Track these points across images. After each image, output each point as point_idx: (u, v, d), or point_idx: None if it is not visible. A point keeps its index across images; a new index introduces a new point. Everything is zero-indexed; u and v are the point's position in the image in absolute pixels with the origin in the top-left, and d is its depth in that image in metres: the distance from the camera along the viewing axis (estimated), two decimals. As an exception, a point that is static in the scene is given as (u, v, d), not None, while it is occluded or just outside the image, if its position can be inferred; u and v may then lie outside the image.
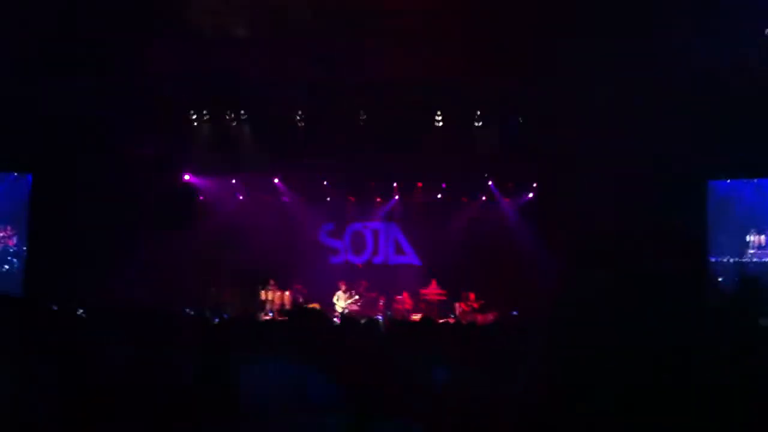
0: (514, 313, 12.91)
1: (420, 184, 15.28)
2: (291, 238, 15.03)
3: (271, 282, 14.37)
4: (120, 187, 13.69)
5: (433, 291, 14.42)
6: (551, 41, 11.10)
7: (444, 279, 14.42)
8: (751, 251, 13.33)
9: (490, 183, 14.98)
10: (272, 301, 14.08)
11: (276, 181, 15.24)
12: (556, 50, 11.36)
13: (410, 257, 15.57)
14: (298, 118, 14.13)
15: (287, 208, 15.48)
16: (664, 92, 12.00)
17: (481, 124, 14.02)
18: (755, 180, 13.37)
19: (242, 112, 14.22)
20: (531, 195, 14.94)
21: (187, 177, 15.03)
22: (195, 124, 14.28)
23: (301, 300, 13.98)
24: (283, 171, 15.03)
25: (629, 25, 10.61)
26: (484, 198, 15.24)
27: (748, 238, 13.35)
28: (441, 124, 13.96)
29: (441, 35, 11.05)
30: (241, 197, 15.49)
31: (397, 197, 15.54)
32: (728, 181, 13.52)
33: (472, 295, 13.92)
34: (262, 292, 14.34)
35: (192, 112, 14.19)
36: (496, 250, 14.30)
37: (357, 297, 14.24)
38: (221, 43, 11.37)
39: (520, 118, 13.81)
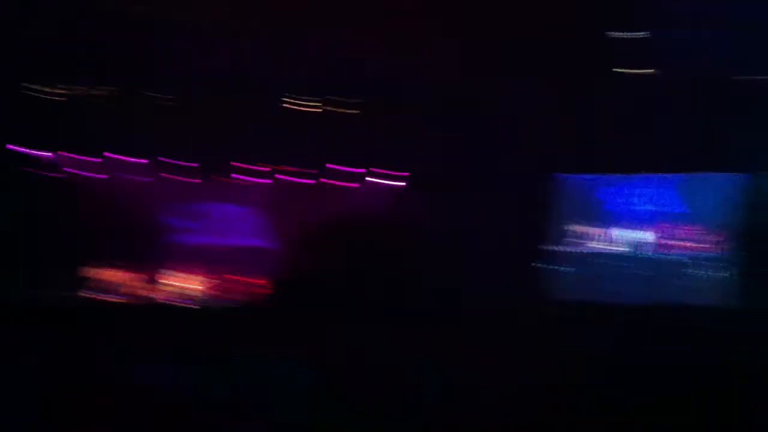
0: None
1: (272, 167, 15.16)
2: (143, 219, 14.56)
3: (121, 263, 13.96)
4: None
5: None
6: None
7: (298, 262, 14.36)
8: (590, 241, 14.24)
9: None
10: (123, 282, 13.70)
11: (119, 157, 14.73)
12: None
13: (264, 240, 15.46)
14: (146, 93, 13.78)
15: (134, 186, 14.98)
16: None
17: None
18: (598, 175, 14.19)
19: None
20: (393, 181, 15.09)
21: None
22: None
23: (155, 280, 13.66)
24: (131, 148, 14.52)
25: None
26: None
27: (586, 229, 14.24)
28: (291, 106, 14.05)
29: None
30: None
31: (254, 179, 15.35)
32: (572, 175, 14.31)
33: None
34: (111, 272, 13.90)
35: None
36: (350, 233, 14.40)
37: (211, 280, 14.04)
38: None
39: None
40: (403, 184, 14.82)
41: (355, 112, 14.17)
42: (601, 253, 14.08)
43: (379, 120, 13.91)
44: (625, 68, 13.00)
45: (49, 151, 14.54)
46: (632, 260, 13.93)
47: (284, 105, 14.13)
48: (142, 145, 14.36)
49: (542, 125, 12.85)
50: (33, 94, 13.74)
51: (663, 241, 13.83)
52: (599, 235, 14.17)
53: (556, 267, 14.07)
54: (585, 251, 14.11)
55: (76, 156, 14.62)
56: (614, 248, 14.10)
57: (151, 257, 14.22)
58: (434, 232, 13.39)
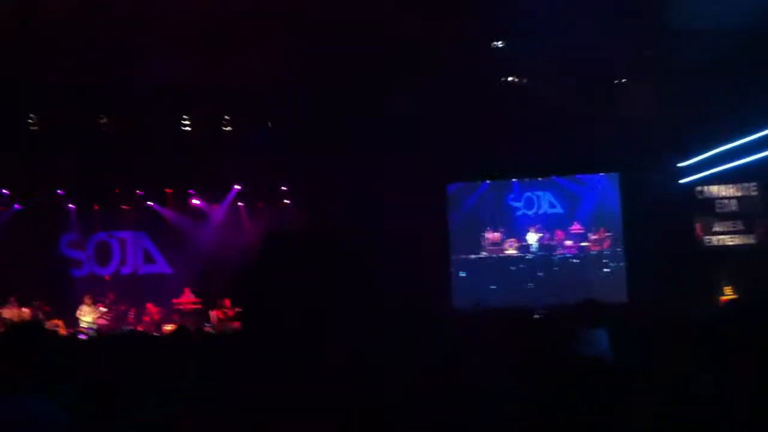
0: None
1: (169, 191, 15.00)
2: (29, 250, 14.10)
3: (11, 299, 13.39)
4: None
5: (186, 300, 14.24)
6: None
7: (198, 287, 14.28)
8: (488, 248, 14.71)
9: (239, 186, 15.08)
10: (11, 319, 13.10)
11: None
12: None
13: (161, 266, 15.25)
14: (30, 121, 13.35)
15: (22, 217, 14.51)
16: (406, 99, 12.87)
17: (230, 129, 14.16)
18: (486, 182, 14.74)
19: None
20: (285, 200, 15.21)
21: None
22: None
23: (41, 317, 13.16)
24: (12, 177, 14.05)
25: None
26: (237, 203, 15.32)
27: (483, 235, 14.70)
28: (189, 129, 13.94)
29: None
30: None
31: (146, 204, 15.13)
32: (462, 183, 14.77)
33: (227, 302, 13.92)
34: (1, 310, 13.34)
35: None
36: (247, 255, 14.40)
37: (104, 310, 13.68)
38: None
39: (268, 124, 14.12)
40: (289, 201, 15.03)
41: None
42: (498, 258, 14.56)
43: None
44: (499, 75, 13.42)
45: None
46: (525, 262, 14.47)
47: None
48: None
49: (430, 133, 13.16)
50: None
51: (551, 242, 14.45)
52: (493, 240, 14.66)
53: (454, 273, 14.50)
54: (481, 258, 14.60)
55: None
56: (508, 252, 14.59)
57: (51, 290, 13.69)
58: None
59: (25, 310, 13.34)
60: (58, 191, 14.54)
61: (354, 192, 13.53)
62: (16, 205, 14.62)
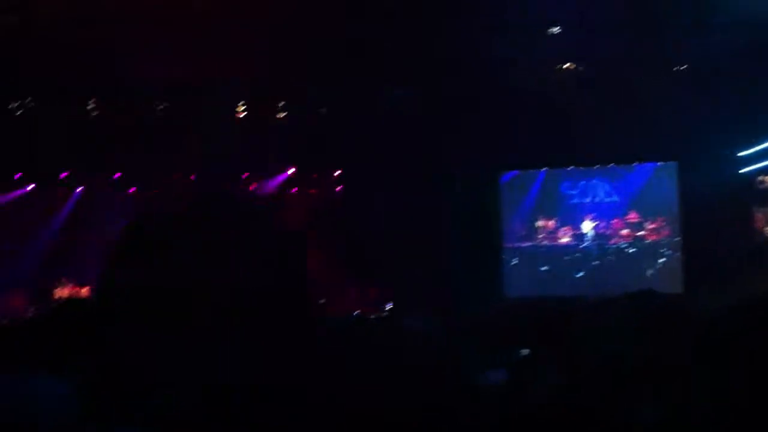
0: (322, 301, 13.35)
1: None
2: (82, 234, 14.49)
3: (63, 279, 13.80)
4: None
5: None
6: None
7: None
8: (541, 236, 14.64)
9: (291, 171, 15.27)
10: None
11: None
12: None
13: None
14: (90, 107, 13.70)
15: (76, 202, 14.91)
16: (454, 90, 12.84)
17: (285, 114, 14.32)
18: (541, 170, 14.65)
19: (27, 101, 13.49)
20: (339, 186, 15.37)
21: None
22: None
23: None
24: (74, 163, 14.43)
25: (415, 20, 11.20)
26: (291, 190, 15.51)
27: (537, 223, 14.63)
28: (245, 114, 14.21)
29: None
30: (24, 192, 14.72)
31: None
32: (516, 171, 14.71)
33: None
34: (56, 290, 13.73)
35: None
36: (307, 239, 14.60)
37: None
38: None
39: (323, 109, 14.23)
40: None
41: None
42: (551, 246, 14.49)
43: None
44: (545, 63, 13.29)
45: None
46: (579, 251, 14.38)
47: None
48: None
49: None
50: None
51: (607, 231, 14.32)
52: (547, 229, 14.59)
53: (508, 263, 14.48)
54: (535, 246, 14.54)
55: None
56: (562, 241, 14.50)
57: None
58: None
59: (83, 290, 13.71)
60: (115, 176, 14.86)
61: (406, 179, 13.57)
62: (78, 189, 15.01)
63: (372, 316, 9.52)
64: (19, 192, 14.71)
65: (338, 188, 15.53)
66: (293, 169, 15.37)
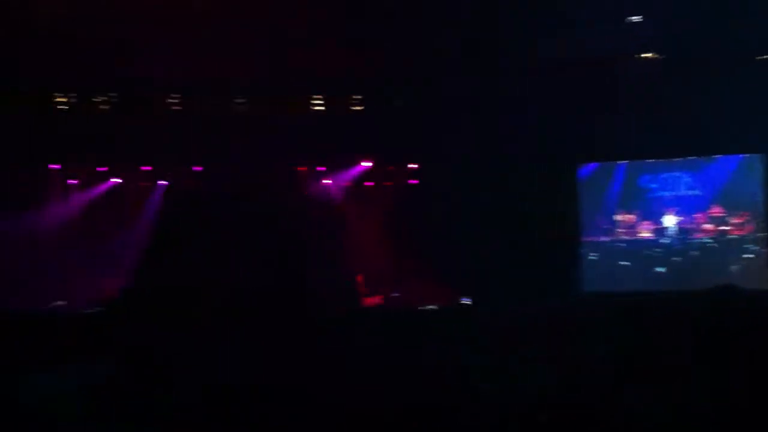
0: (396, 294, 13.48)
1: (302, 168, 15.50)
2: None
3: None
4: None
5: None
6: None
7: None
8: (620, 230, 14.38)
9: (369, 165, 15.36)
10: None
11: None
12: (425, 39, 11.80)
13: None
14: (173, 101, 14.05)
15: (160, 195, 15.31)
16: (533, 81, 12.74)
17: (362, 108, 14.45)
18: (621, 162, 14.39)
19: (114, 95, 13.93)
20: (412, 178, 15.42)
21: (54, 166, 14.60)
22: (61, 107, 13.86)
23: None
24: (156, 157, 14.82)
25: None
26: (367, 182, 15.65)
27: (616, 217, 14.39)
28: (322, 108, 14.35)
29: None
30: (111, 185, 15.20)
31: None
32: (596, 164, 14.49)
33: (359, 278, 14.25)
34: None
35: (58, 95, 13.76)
36: (380, 231, 14.76)
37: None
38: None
39: (400, 102, 14.29)
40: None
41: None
42: (631, 240, 14.25)
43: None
44: (635, 53, 13.05)
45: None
46: (660, 245, 14.09)
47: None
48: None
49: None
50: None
51: (689, 225, 14.00)
52: (627, 223, 14.35)
53: (589, 256, 14.29)
54: (614, 240, 14.32)
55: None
56: (642, 235, 14.24)
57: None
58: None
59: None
60: (194, 168, 15.21)
61: (485, 173, 13.53)
62: (160, 182, 15.41)
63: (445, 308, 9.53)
64: (105, 185, 15.21)
65: (414, 181, 15.56)
66: (369, 163, 15.48)
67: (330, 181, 15.68)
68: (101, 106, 14.02)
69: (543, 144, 13.10)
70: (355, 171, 15.64)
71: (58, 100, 13.82)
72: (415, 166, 15.45)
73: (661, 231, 14.17)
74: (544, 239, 13.21)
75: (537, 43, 11.90)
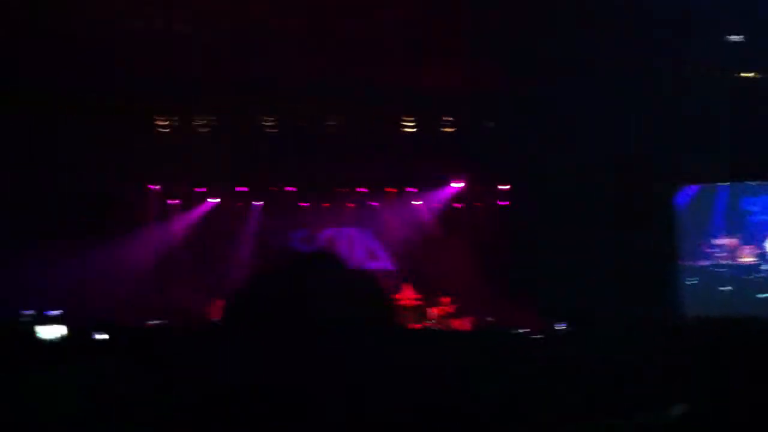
0: (489, 318, 13.32)
1: (392, 189, 15.57)
2: (263, 245, 15.19)
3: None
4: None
5: (407, 296, 14.69)
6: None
7: (418, 283, 14.70)
8: (721, 254, 13.96)
9: (460, 185, 15.33)
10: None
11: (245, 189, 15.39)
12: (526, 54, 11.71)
13: (384, 263, 15.84)
14: (268, 124, 14.34)
15: (257, 215, 15.62)
16: (631, 98, 12.49)
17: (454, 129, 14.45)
18: (722, 184, 13.98)
19: (212, 118, 14.31)
20: (503, 200, 15.32)
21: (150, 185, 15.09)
22: (161, 129, 14.34)
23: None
24: (252, 178, 15.12)
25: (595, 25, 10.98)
26: (457, 203, 15.64)
27: (717, 241, 13.97)
28: (414, 129, 14.39)
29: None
30: (210, 205, 15.57)
31: (369, 203, 15.82)
32: (695, 186, 14.12)
33: (447, 299, 14.23)
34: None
35: (159, 117, 14.25)
36: (470, 253, 14.70)
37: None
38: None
39: (491, 123, 14.22)
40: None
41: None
42: (732, 265, 13.82)
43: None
44: (736, 72, 12.67)
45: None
46: (763, 271, 13.63)
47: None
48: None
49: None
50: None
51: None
52: (727, 246, 13.92)
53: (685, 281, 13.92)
54: (715, 265, 13.92)
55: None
56: (744, 260, 13.79)
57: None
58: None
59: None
60: (290, 188, 15.47)
61: (579, 195, 13.31)
62: (255, 203, 15.76)
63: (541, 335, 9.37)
64: (206, 205, 15.65)
65: (505, 202, 15.46)
66: (461, 183, 15.47)
67: (420, 203, 15.76)
68: (200, 129, 14.47)
69: (641, 166, 12.82)
70: (445, 192, 15.65)
71: (159, 122, 14.35)
72: (507, 187, 15.36)
73: (764, 256, 13.69)
74: (642, 263, 12.88)
75: (632, 62, 11.70)
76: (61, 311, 12.28)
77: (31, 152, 13.27)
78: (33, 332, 8.85)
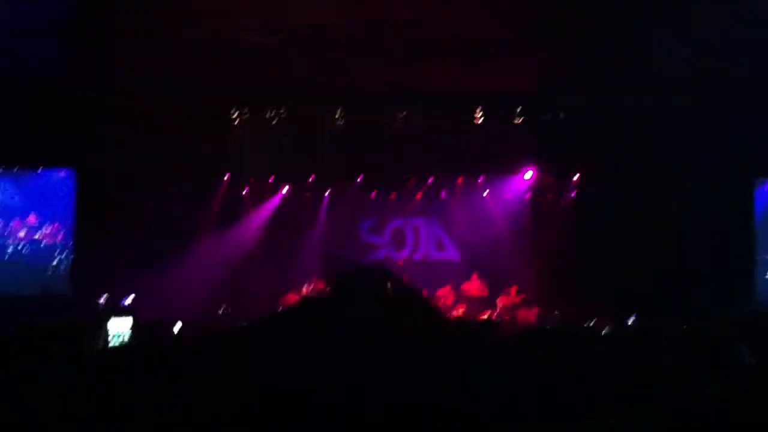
0: (555, 312, 13.22)
1: (460, 180, 15.55)
2: (332, 235, 15.36)
3: (314, 279, 14.70)
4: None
5: (474, 286, 14.69)
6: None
7: (485, 274, 14.67)
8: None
9: (529, 177, 15.21)
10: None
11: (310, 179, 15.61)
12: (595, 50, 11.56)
13: (450, 253, 15.85)
14: (336, 116, 14.51)
15: (326, 205, 15.80)
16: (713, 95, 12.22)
17: (521, 120, 14.35)
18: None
19: (281, 111, 14.54)
20: (574, 191, 15.13)
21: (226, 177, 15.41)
22: (235, 123, 14.64)
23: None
24: (320, 169, 15.29)
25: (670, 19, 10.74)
26: (526, 195, 15.52)
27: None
28: (481, 120, 14.36)
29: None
30: (281, 196, 15.82)
31: (438, 193, 15.83)
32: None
33: (513, 290, 14.16)
34: (304, 288, 14.67)
35: (233, 111, 14.55)
36: (538, 244, 14.62)
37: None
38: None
39: (561, 114, 14.08)
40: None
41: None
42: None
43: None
44: None
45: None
46: None
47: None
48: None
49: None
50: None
51: None
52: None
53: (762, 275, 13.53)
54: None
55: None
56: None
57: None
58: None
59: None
60: (359, 179, 15.59)
61: (652, 187, 13.08)
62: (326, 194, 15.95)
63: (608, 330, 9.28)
64: (279, 196, 15.92)
65: (573, 193, 15.25)
66: (530, 174, 15.34)
67: (488, 193, 15.67)
68: (272, 122, 14.74)
69: (717, 158, 12.47)
70: (514, 183, 15.53)
71: (233, 116, 14.69)
72: (576, 177, 15.16)
73: None
74: (717, 256, 12.58)
75: (708, 54, 11.41)
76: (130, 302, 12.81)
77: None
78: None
